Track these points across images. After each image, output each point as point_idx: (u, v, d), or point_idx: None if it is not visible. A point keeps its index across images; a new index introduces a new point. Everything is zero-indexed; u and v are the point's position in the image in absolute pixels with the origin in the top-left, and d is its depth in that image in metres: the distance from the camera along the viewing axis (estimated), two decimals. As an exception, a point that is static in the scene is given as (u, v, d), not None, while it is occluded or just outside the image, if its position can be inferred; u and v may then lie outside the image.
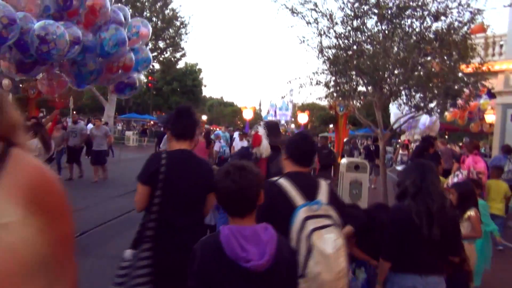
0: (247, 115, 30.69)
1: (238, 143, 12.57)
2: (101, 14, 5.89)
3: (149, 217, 2.47)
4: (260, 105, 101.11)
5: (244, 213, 1.64)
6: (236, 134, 13.69)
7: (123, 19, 6.57)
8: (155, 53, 31.40)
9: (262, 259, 1.50)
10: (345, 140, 13.53)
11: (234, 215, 1.65)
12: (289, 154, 2.36)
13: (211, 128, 16.35)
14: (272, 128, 3.89)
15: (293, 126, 76.49)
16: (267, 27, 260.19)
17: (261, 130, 3.60)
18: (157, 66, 36.14)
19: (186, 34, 31.03)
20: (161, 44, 30.55)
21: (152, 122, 43.72)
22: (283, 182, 2.20)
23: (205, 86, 56.30)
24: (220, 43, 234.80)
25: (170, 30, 29.88)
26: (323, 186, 2.27)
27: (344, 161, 9.22)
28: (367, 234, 2.99)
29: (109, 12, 6.07)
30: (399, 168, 8.17)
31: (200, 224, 2.63)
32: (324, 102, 33.75)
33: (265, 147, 3.48)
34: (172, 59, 32.73)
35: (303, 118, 38.90)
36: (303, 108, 70.88)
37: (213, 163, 12.14)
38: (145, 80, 47.28)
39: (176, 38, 30.37)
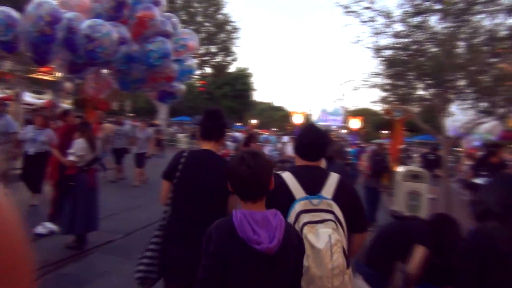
0: (297, 119, 30.39)
1: (290, 149, 12.06)
2: (150, 26, 5.84)
3: (166, 209, 2.66)
4: (310, 109, 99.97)
5: (257, 197, 1.72)
6: (285, 139, 13.28)
7: (171, 29, 6.49)
8: (207, 58, 31.90)
9: (272, 243, 1.58)
10: (401, 147, 12.69)
11: (247, 200, 1.72)
12: (295, 149, 2.37)
13: (258, 132, 16.07)
14: None
15: (344, 131, 74.50)
16: (319, 30, 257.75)
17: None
18: (208, 70, 36.68)
19: (238, 38, 31.18)
20: (213, 48, 30.93)
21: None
22: (286, 174, 2.22)
23: (255, 90, 56.40)
24: (270, 48, 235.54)
25: (222, 34, 30.17)
26: (332, 180, 2.20)
27: (401, 169, 8.58)
28: (435, 254, 2.72)
29: (158, 24, 6.00)
30: (478, 181, 7.35)
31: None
32: (378, 107, 32.49)
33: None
34: (224, 63, 32.97)
35: (355, 123, 37.76)
36: (355, 113, 69.32)
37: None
38: (197, 84, 48.59)
39: (228, 42, 30.61)
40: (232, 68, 50.82)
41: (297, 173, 2.22)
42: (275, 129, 18.47)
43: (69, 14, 4.96)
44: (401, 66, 6.64)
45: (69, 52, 5.25)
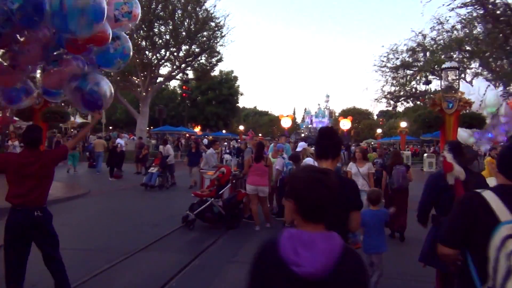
0: (285, 123, 28.45)
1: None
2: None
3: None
4: (294, 112, 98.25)
5: (323, 219, 1.59)
6: (301, 145, 10.19)
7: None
8: (189, 59, 28.82)
9: (313, 268, 1.42)
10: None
11: (311, 221, 1.57)
12: (500, 169, 2.13)
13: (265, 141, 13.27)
14: (456, 148, 3.72)
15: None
16: (297, 32, 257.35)
17: (448, 155, 3.44)
18: (191, 74, 33.50)
19: (222, 37, 28.23)
20: (194, 48, 27.84)
21: (187, 135, 41.32)
22: (488, 194, 1.99)
23: (241, 94, 53.54)
24: (251, 50, 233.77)
25: (205, 33, 27.16)
26: None
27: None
28: None
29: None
30: None
31: None
32: (368, 105, 30.93)
33: (458, 170, 3.32)
34: (207, 65, 29.94)
35: (345, 124, 36.25)
36: (344, 114, 67.85)
37: (274, 187, 8.91)
38: (179, 91, 45.52)
39: (212, 41, 27.59)
40: (216, 71, 48.08)
41: (502, 193, 1.98)
42: (287, 135, 15.34)
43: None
44: None
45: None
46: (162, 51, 28.15)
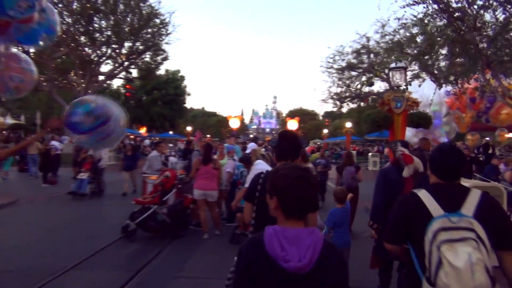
0: (234, 124, 28.29)
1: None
2: None
3: (249, 230, 2.83)
4: (242, 113, 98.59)
5: (305, 215, 1.63)
6: (251, 146, 9.71)
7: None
8: (133, 57, 27.45)
9: (301, 262, 1.48)
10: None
11: (292, 217, 1.61)
12: (431, 169, 2.33)
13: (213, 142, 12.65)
14: (407, 145, 4.23)
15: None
16: (242, 33, 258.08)
17: (406, 150, 3.89)
18: (135, 73, 31.99)
19: (168, 34, 27.14)
20: (138, 45, 26.52)
21: (133, 137, 39.44)
22: (423, 193, 2.19)
23: (189, 94, 52.26)
24: (198, 51, 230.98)
25: (149, 29, 25.95)
26: (474, 197, 2.09)
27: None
28: None
29: None
30: None
31: None
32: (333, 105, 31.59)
33: (418, 162, 3.73)
34: (152, 64, 28.67)
35: (293, 125, 36.84)
36: (291, 114, 68.90)
37: (225, 190, 8.39)
38: (123, 90, 43.38)
39: (156, 38, 26.44)
40: (161, 71, 46.51)
41: (434, 190, 2.19)
42: (236, 135, 14.57)
43: None
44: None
45: None
46: (103, 48, 26.51)
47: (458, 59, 9.14)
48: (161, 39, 26.75)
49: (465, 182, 5.76)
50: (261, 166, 6.69)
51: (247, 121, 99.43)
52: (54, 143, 16.84)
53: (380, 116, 9.47)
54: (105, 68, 28.50)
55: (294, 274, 1.49)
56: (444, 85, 11.92)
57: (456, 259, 1.84)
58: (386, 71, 26.57)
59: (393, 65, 9.59)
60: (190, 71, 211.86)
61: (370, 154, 28.85)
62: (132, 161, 12.24)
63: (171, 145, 30.42)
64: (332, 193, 5.68)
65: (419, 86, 12.91)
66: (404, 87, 9.86)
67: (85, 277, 5.12)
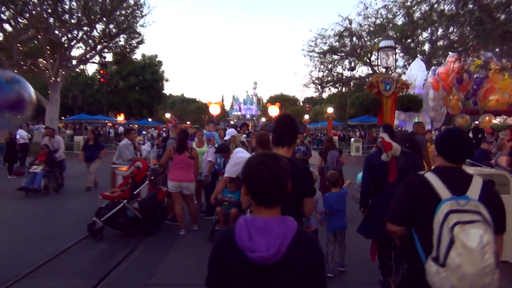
0: (214, 110, 27.86)
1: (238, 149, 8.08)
2: None
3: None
4: (222, 99, 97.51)
5: (274, 203, 1.60)
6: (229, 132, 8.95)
7: None
8: (106, 40, 26.11)
9: (267, 252, 1.45)
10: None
11: (262, 205, 1.59)
12: (440, 152, 2.35)
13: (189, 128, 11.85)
14: (390, 129, 4.25)
15: (263, 119, 73.38)
16: (222, 17, 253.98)
17: (385, 135, 4.01)
18: (109, 58, 30.59)
19: (142, 16, 25.86)
20: (112, 28, 25.19)
21: (111, 124, 38.05)
22: (430, 175, 2.24)
23: (167, 80, 50.82)
24: (177, 36, 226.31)
25: (122, 11, 24.63)
26: (477, 182, 2.19)
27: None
28: None
29: None
30: None
31: None
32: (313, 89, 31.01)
33: (396, 148, 3.88)
34: (128, 47, 27.37)
35: (273, 110, 36.46)
36: (272, 100, 68.21)
37: (204, 181, 7.71)
38: (98, 76, 41.68)
39: (131, 20, 25.14)
40: (138, 55, 44.92)
41: (441, 173, 2.23)
42: (215, 122, 13.44)
43: None
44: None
45: None
46: (75, 31, 25.05)
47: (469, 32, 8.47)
48: (135, 21, 25.48)
49: (474, 170, 5.27)
50: (240, 154, 6.02)
51: (227, 107, 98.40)
52: (20, 132, 15.65)
53: (368, 99, 8.91)
54: (77, 52, 27.06)
55: (262, 265, 1.46)
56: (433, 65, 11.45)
57: (469, 240, 1.90)
58: (369, 55, 26.24)
59: (382, 44, 8.98)
60: (169, 57, 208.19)
61: (352, 139, 28.55)
62: (94, 151, 10.72)
63: (144, 132, 29.13)
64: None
65: (406, 66, 12.33)
66: (393, 68, 9.31)
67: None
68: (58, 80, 24.51)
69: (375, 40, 22.22)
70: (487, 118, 13.67)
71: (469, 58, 9.40)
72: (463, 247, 1.90)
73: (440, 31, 23.26)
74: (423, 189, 2.18)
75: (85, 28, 24.96)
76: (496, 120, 27.36)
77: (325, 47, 26.60)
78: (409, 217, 2.25)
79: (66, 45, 24.79)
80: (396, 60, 9.36)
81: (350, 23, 25.05)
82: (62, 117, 35.90)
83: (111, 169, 7.64)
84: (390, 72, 9.12)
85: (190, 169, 6.50)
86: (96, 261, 5.40)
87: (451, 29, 22.55)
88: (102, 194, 6.35)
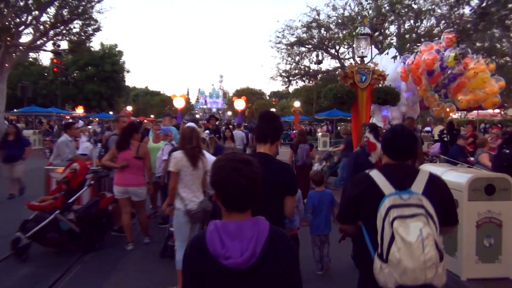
0: (179, 104, 26.96)
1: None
2: None
3: None
4: (188, 93, 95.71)
5: (247, 207, 1.54)
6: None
7: None
8: (59, 27, 24.13)
9: (242, 257, 1.40)
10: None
11: (234, 210, 1.52)
12: (384, 150, 2.40)
13: (140, 121, 10.64)
14: (375, 129, 4.30)
15: (229, 113, 72.16)
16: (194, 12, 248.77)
17: (370, 136, 4.10)
18: (64, 46, 28.39)
19: (99, 1, 24.07)
20: (65, 13, 23.27)
21: (68, 117, 35.54)
22: (374, 172, 2.25)
23: (128, 71, 48.51)
24: (141, 28, 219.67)
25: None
26: (423, 176, 2.19)
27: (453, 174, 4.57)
28: None
29: None
30: None
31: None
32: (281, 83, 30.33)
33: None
34: (83, 34, 25.45)
35: (240, 104, 35.78)
36: (238, 94, 67.10)
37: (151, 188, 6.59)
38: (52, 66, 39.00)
39: (86, 5, 23.32)
40: (96, 45, 42.50)
41: (385, 170, 2.25)
42: (172, 115, 12.00)
43: None
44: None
45: None
46: (23, 16, 22.92)
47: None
48: (90, 5, 23.66)
49: (469, 172, 4.56)
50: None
51: (193, 101, 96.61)
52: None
53: (343, 91, 8.13)
54: (27, 39, 24.86)
55: (237, 270, 1.41)
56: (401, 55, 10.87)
57: (408, 234, 1.89)
58: (337, 47, 25.77)
59: (360, 30, 8.21)
60: (132, 48, 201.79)
61: (320, 134, 28.08)
62: (16, 149, 8.67)
63: (81, 122, 26.27)
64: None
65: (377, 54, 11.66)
66: (368, 58, 8.58)
67: None
68: (4, 68, 22.38)
69: (344, 32, 21.59)
70: (448, 109, 13.22)
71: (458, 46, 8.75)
72: (402, 241, 1.89)
73: (407, 25, 23.13)
74: (368, 186, 2.18)
75: (35, 13, 22.91)
76: (456, 115, 27.68)
77: (293, 39, 25.87)
78: (354, 215, 2.26)
79: (13, 31, 22.66)
80: (372, 50, 8.63)
81: (318, 14, 24.44)
82: (15, 109, 33.31)
83: (45, 171, 6.37)
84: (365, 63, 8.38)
85: (139, 171, 5.46)
86: (20, 287, 4.29)
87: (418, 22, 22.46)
88: (29, 204, 5.17)
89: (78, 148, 7.85)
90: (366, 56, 8.42)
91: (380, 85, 8.42)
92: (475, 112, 25.65)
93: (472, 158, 8.54)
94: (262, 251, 1.43)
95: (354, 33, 8.39)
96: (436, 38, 13.88)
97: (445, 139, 10.46)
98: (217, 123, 11.32)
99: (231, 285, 1.45)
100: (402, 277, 1.89)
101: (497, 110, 29.37)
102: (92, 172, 5.75)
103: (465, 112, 27.06)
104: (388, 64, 12.05)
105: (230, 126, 10.98)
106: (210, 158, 4.60)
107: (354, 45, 8.91)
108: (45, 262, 4.99)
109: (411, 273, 1.87)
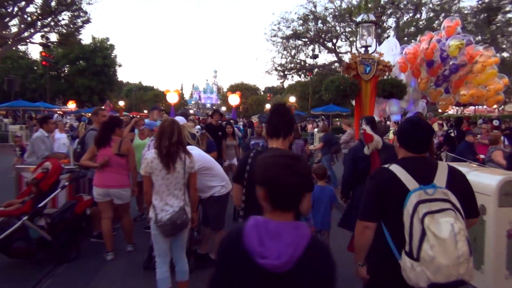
0: (172, 99, 26.49)
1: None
2: None
3: (239, 213, 2.67)
4: (182, 88, 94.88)
5: (294, 207, 1.48)
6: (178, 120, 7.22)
7: None
8: (46, 17, 23.32)
9: (279, 259, 1.32)
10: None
11: (280, 209, 1.44)
12: (401, 143, 2.29)
13: (133, 116, 9.96)
14: (373, 122, 4.25)
15: (223, 108, 71.35)
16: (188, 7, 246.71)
17: (367, 128, 4.04)
18: (53, 38, 27.53)
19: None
20: (53, 4, 22.47)
21: (61, 112, 34.59)
22: (395, 167, 2.17)
23: (120, 65, 47.53)
24: (135, 22, 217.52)
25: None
26: (443, 169, 2.14)
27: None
28: None
29: None
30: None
31: None
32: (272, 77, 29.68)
33: (377, 141, 3.92)
34: (72, 26, 24.67)
35: (234, 99, 35.28)
36: (232, 89, 66.33)
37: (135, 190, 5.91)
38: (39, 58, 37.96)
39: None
40: (87, 38, 41.54)
41: (406, 164, 2.17)
42: (162, 109, 11.20)
43: None
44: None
45: None
46: (10, 8, 22.08)
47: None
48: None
49: (496, 173, 3.99)
50: (194, 152, 4.49)
51: (187, 96, 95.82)
52: None
53: (345, 83, 7.54)
54: (13, 30, 23.98)
55: (271, 272, 1.34)
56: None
57: (440, 230, 1.84)
58: (334, 40, 25.19)
59: (361, 18, 7.62)
60: (126, 43, 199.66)
61: (316, 130, 27.48)
62: None
63: (56, 115, 25.07)
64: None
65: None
66: (372, 47, 8.00)
67: None
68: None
69: (341, 25, 21.05)
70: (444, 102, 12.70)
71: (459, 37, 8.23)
72: (435, 238, 1.84)
73: (406, 18, 22.59)
74: (390, 182, 2.10)
75: (21, 4, 22.05)
76: (452, 111, 27.26)
77: (289, 32, 25.23)
78: (379, 211, 2.15)
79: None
80: (375, 39, 8.05)
81: (315, 6, 23.83)
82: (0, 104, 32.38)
83: (15, 170, 5.68)
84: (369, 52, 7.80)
85: (122, 171, 4.83)
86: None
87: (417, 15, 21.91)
88: (-9, 209, 4.52)
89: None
90: (370, 46, 7.83)
91: (385, 77, 7.85)
92: (472, 107, 25.25)
93: (482, 156, 7.99)
94: (299, 260, 1.35)
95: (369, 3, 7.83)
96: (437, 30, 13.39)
97: (452, 134, 9.92)
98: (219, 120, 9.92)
99: (260, 285, 1.38)
100: (436, 275, 1.84)
101: (494, 106, 29.06)
102: (67, 172, 5.10)
103: (461, 107, 26.67)
104: (388, 56, 11.49)
105: (232, 122, 10.24)
106: (198, 155, 4.01)
107: (357, 35, 8.32)
108: (10, 275, 4.35)
109: (445, 270, 1.82)
